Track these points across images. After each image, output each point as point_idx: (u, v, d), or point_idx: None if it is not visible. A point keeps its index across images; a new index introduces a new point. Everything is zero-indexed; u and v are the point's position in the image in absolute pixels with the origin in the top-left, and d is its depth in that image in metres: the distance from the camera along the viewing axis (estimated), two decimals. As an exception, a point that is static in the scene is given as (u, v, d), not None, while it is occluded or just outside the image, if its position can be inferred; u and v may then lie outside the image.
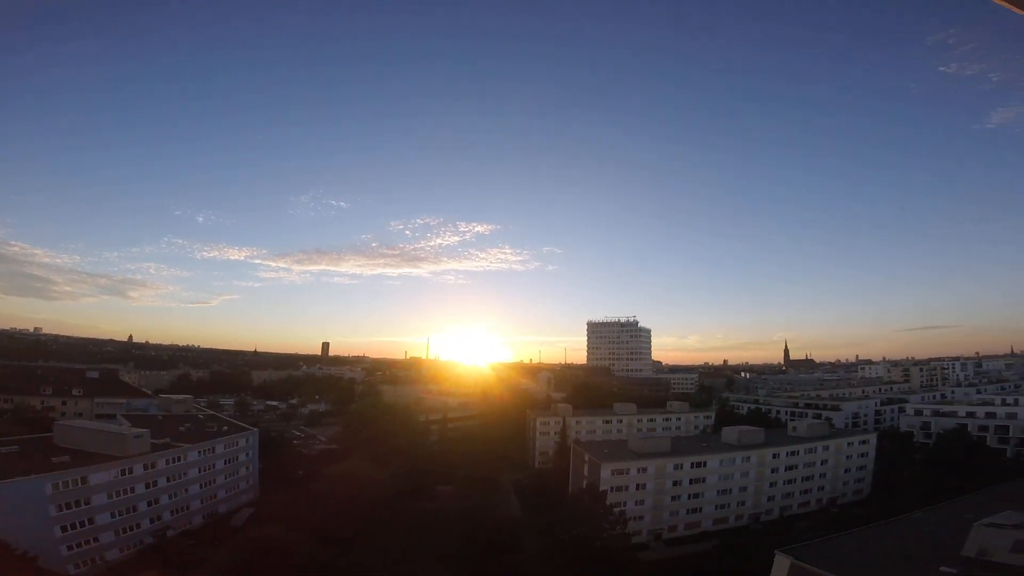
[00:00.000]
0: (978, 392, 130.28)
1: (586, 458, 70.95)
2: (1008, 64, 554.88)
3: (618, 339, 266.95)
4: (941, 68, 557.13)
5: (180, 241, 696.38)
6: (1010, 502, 39.63)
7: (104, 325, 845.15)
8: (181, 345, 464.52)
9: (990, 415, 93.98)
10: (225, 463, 72.32)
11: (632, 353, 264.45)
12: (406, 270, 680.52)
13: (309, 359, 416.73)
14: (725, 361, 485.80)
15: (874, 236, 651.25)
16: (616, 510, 53.85)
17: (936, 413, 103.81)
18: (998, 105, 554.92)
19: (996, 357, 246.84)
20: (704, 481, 67.92)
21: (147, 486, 58.25)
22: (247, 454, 78.06)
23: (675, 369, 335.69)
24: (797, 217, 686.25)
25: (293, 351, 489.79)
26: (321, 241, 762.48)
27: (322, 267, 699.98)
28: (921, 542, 34.78)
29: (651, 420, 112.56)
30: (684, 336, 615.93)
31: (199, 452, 67.68)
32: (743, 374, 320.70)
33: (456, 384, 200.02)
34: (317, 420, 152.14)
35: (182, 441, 68.05)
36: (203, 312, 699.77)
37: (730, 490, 69.06)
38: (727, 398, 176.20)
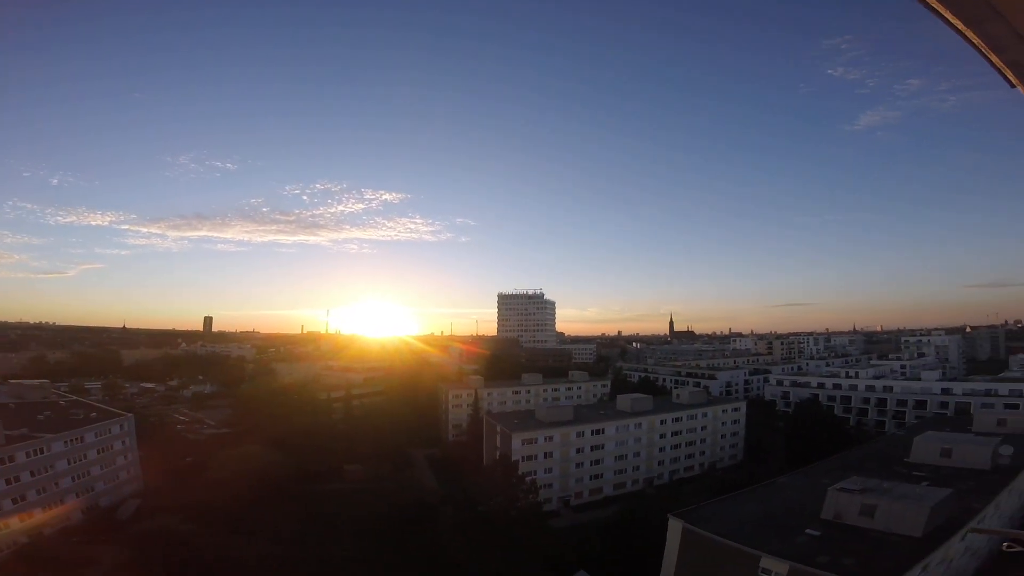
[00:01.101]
0: (827, 365, 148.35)
1: (498, 429, 73.39)
2: (883, 71, 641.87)
3: (526, 311, 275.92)
4: (829, 71, 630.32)
5: (29, 205, 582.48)
6: (855, 468, 46.35)
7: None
8: (33, 323, 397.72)
9: (836, 386, 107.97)
10: (99, 453, 65.68)
11: (539, 325, 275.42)
12: (302, 237, 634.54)
13: (189, 335, 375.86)
14: (619, 332, 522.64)
15: (750, 221, 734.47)
16: (528, 479, 57.33)
17: (794, 384, 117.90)
18: (867, 109, 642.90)
19: (842, 333, 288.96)
20: (603, 448, 72.96)
21: (8, 482, 51.86)
22: (123, 442, 71.01)
23: (576, 340, 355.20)
24: (685, 201, 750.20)
25: (170, 327, 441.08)
26: (202, 205, 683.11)
27: (203, 233, 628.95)
28: (788, 505, 39.28)
29: (555, 390, 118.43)
30: (584, 308, 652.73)
31: (65, 442, 60.97)
32: (635, 344, 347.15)
33: (361, 359, 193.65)
34: (203, 403, 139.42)
35: (43, 431, 60.78)
36: (59, 284, 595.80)
37: (626, 455, 74.96)
38: (621, 367, 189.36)
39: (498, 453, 69.58)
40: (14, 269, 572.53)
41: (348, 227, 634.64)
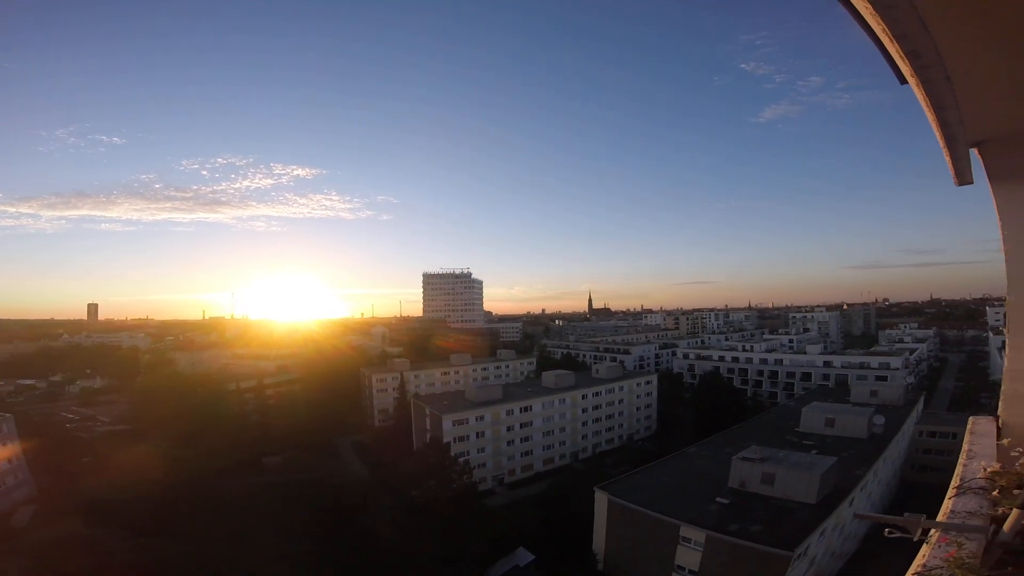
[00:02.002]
0: (727, 339, 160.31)
1: (427, 412, 72.83)
2: (791, 68, 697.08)
3: (453, 290, 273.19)
4: (742, 65, 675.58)
5: None
6: (754, 437, 50.96)
7: None
8: None
9: (734, 360, 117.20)
10: None
11: (466, 304, 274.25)
12: (201, 215, 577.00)
13: (72, 325, 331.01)
14: (543, 310, 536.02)
15: (659, 204, 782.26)
16: (461, 460, 57.81)
17: (698, 357, 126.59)
18: (772, 103, 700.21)
19: (739, 310, 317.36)
20: (532, 424, 75.02)
21: None
22: (4, 444, 62.83)
23: (504, 319, 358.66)
24: (601, 184, 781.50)
25: (47, 316, 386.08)
26: (84, 182, 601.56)
27: (84, 212, 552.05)
28: (699, 474, 42.72)
29: (484, 369, 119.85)
30: (511, 287, 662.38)
31: (-72, 449, 52.43)
32: (557, 322, 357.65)
33: (273, 346, 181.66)
34: (93, 398, 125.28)
35: None
36: None
37: (553, 431, 77.68)
38: (545, 344, 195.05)
39: (428, 436, 69.27)
40: None
41: (255, 204, 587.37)
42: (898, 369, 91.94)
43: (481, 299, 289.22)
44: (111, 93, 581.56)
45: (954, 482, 4.10)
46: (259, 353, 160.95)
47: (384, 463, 73.16)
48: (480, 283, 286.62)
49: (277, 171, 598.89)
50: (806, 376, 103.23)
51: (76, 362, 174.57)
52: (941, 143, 5.02)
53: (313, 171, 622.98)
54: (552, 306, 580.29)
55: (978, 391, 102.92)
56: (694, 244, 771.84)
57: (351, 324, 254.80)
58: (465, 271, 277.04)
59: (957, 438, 56.79)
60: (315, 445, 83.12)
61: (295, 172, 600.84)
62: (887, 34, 2.99)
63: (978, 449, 4.57)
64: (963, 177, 5.74)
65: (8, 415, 66.60)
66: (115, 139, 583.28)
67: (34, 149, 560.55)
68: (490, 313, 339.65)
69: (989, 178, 5.82)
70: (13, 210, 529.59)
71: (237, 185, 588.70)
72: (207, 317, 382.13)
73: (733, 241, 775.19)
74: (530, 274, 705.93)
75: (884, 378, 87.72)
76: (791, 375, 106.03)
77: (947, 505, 3.55)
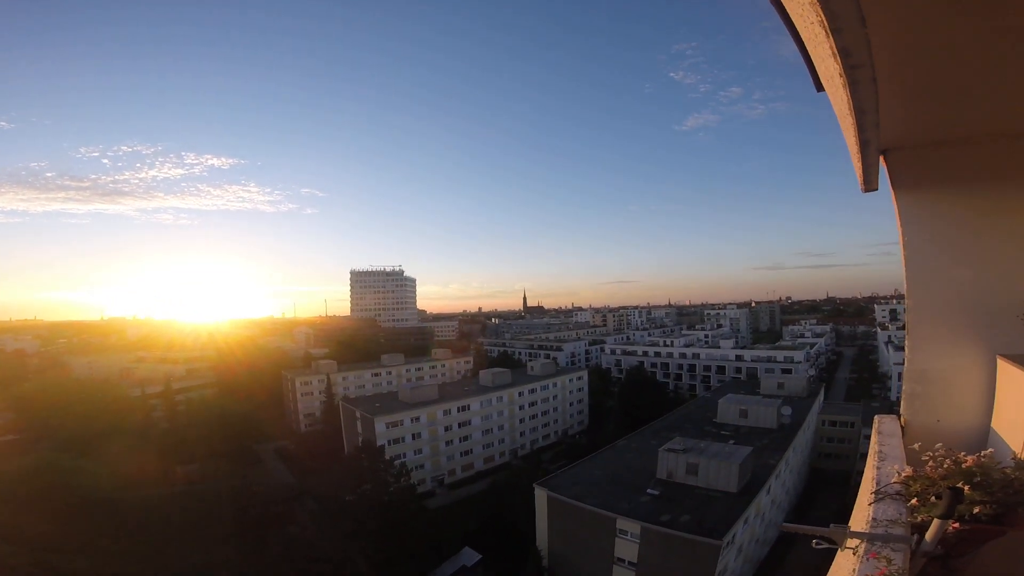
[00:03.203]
0: (649, 335, 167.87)
1: (358, 415, 70.64)
2: (714, 78, 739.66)
3: (384, 288, 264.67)
4: (672, 74, 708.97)
5: None
6: (678, 429, 53.93)
7: None
8: None
9: (657, 354, 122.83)
10: None
11: (399, 302, 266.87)
12: (99, 206, 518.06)
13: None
14: (480, 308, 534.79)
15: (587, 204, 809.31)
16: (397, 463, 56.21)
17: (624, 352, 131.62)
18: (695, 112, 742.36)
19: (660, 307, 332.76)
20: (470, 423, 74.71)
21: None
22: None
23: (439, 317, 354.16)
24: (534, 184, 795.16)
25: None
26: None
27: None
28: (629, 467, 44.16)
29: (419, 369, 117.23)
30: (446, 285, 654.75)
31: None
32: (493, 320, 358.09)
33: (181, 349, 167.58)
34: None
35: None
36: None
37: (492, 429, 77.78)
38: (482, 343, 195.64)
39: (360, 439, 67.13)
40: None
41: (161, 195, 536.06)
42: (801, 362, 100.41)
43: (414, 297, 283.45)
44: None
45: (868, 485, 4.14)
46: (166, 356, 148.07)
47: (312, 469, 69.77)
48: (413, 281, 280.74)
49: (189, 160, 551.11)
50: (721, 369, 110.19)
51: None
52: (854, 148, 5.09)
53: (230, 161, 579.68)
54: (488, 304, 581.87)
55: (869, 382, 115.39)
56: (620, 244, 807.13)
57: (272, 324, 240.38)
58: (397, 268, 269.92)
59: (855, 427, 63.27)
60: (234, 453, 77.42)
61: (209, 161, 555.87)
62: (823, 27, 2.84)
63: (888, 451, 4.72)
64: (870, 183, 5.90)
65: None
66: (2, 123, 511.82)
67: None
68: (424, 312, 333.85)
69: (893, 185, 6.04)
70: None
71: (142, 175, 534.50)
72: (105, 318, 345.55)
73: (654, 241, 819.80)
74: (465, 272, 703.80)
75: (789, 371, 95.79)
76: (707, 368, 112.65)
77: (868, 512, 3.51)
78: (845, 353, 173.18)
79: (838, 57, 3.10)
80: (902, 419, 5.85)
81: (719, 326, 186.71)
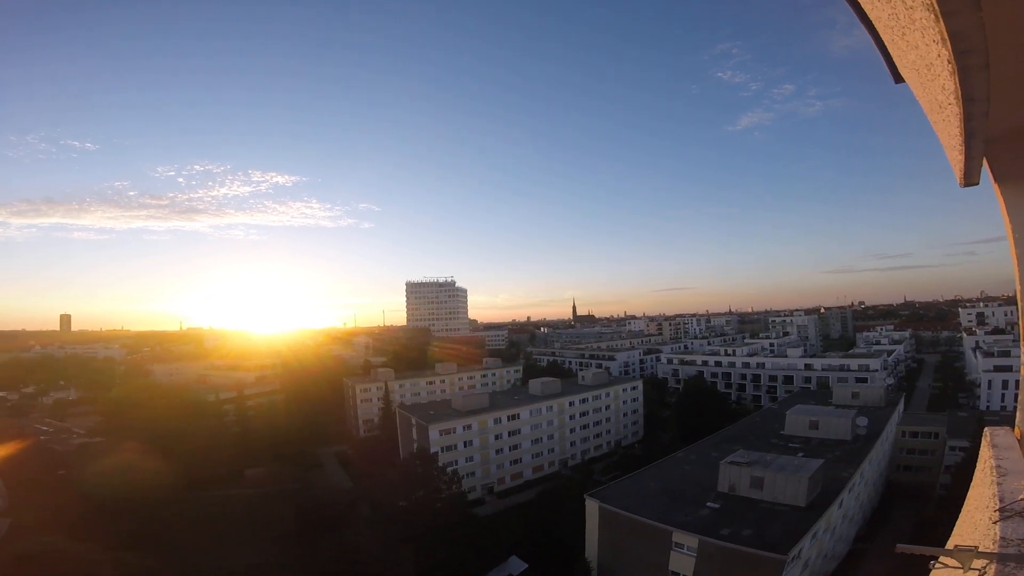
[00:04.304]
0: (709, 344, 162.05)
1: (413, 421, 72.11)
2: (764, 76, 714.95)
3: (437, 299, 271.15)
4: (719, 74, 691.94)
5: None
6: (741, 441, 51.53)
7: None
8: None
9: (718, 364, 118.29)
10: None
11: (451, 313, 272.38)
12: (177, 223, 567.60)
13: (44, 336, 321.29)
14: (528, 317, 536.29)
15: (638, 211, 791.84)
16: (449, 469, 56.99)
17: (682, 362, 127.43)
18: (747, 111, 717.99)
19: (720, 314, 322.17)
20: (520, 432, 74.54)
21: None
22: None
23: (489, 327, 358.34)
24: (584, 192, 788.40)
25: (18, 327, 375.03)
26: (54, 188, 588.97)
27: (55, 220, 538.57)
28: (688, 479, 42.63)
29: (470, 377, 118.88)
30: (495, 295, 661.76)
31: None
32: (542, 329, 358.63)
33: (252, 357, 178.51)
34: (67, 410, 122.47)
35: None
36: None
37: (541, 439, 77.20)
38: (531, 352, 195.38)
39: (415, 446, 68.36)
40: None
41: (232, 211, 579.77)
42: (877, 371, 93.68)
43: (465, 307, 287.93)
44: (85, 98, 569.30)
45: (985, 502, 3.80)
46: (238, 364, 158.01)
47: (368, 474, 71.74)
48: (464, 291, 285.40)
49: (255, 178, 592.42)
50: (788, 379, 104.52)
51: (49, 374, 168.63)
52: (955, 140, 4.69)
53: (292, 178, 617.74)
54: (537, 313, 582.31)
55: (955, 391, 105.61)
56: (674, 250, 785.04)
57: (333, 334, 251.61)
58: (449, 279, 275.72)
59: (939, 438, 58.22)
60: (297, 456, 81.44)
61: (274, 179, 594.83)
62: (932, 11, 2.69)
63: (1008, 465, 4.27)
64: (971, 178, 5.42)
65: (-25, 429, 63.90)
66: (88, 144, 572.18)
67: (2, 154, 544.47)
68: (475, 321, 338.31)
69: (997, 178, 5.54)
70: None
71: (214, 193, 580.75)
72: (184, 328, 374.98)
73: (712, 247, 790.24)
74: (514, 282, 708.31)
75: (864, 380, 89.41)
76: (773, 378, 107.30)
77: (992, 531, 3.23)
78: (927, 360, 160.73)
79: (948, 42, 2.91)
80: (1016, 430, 5.32)
81: (785, 334, 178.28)
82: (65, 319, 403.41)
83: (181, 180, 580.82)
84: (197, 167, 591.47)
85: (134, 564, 41.84)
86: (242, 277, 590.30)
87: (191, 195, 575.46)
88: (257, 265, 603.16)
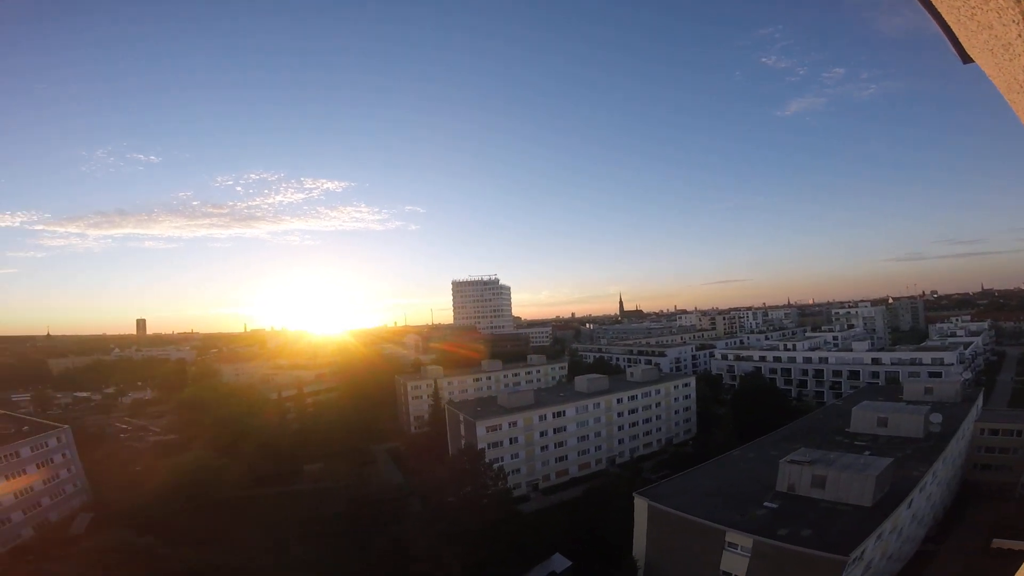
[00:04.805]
0: (767, 338, 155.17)
1: (461, 418, 73.05)
2: (811, 60, 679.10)
3: (482, 297, 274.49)
4: (763, 59, 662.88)
5: None
6: (802, 439, 49.06)
7: None
8: None
9: (776, 359, 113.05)
10: (38, 467, 61.80)
11: (495, 310, 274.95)
12: (238, 231, 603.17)
13: (122, 340, 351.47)
14: (573, 314, 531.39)
15: (686, 202, 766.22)
16: (495, 466, 57.33)
17: (737, 358, 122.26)
18: (797, 96, 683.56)
19: (778, 307, 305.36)
20: (566, 429, 73.93)
21: (-54, 504, 46.66)
22: (63, 454, 66.81)
23: (532, 324, 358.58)
24: (627, 186, 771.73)
25: (100, 332, 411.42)
26: (123, 200, 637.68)
27: (127, 230, 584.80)
28: (744, 478, 41.08)
29: (515, 375, 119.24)
30: (538, 292, 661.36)
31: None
32: (588, 325, 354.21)
33: (311, 356, 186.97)
34: (143, 409, 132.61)
35: (-30, 449, 55.64)
36: None
37: (587, 436, 76.31)
38: (576, 349, 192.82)
39: (463, 442, 69.36)
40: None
41: (288, 218, 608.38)
42: (953, 364, 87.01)
43: (509, 305, 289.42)
44: (147, 113, 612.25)
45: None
46: (298, 363, 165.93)
47: (419, 470, 73.34)
48: (508, 289, 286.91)
49: (307, 185, 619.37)
50: (854, 374, 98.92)
51: (127, 375, 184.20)
52: None
53: (342, 184, 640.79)
54: (581, 309, 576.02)
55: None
56: (726, 241, 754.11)
57: (384, 333, 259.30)
58: (492, 277, 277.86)
59: (1022, 435, 53.38)
60: (352, 453, 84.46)
61: (325, 185, 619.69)
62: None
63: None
64: None
65: (66, 426, 70.39)
66: (152, 157, 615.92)
67: (76, 170, 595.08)
68: (518, 318, 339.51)
69: None
70: (62, 229, 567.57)
71: (270, 200, 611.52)
72: (248, 329, 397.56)
73: (768, 237, 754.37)
74: (557, 278, 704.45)
75: (938, 374, 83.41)
76: (837, 374, 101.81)
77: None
78: (1008, 353, 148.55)
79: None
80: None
81: (850, 326, 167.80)
82: (141, 323, 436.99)
83: (239, 189, 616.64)
84: (253, 176, 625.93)
85: (197, 560, 44.57)
86: (299, 280, 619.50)
87: (249, 203, 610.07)
88: (312, 268, 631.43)
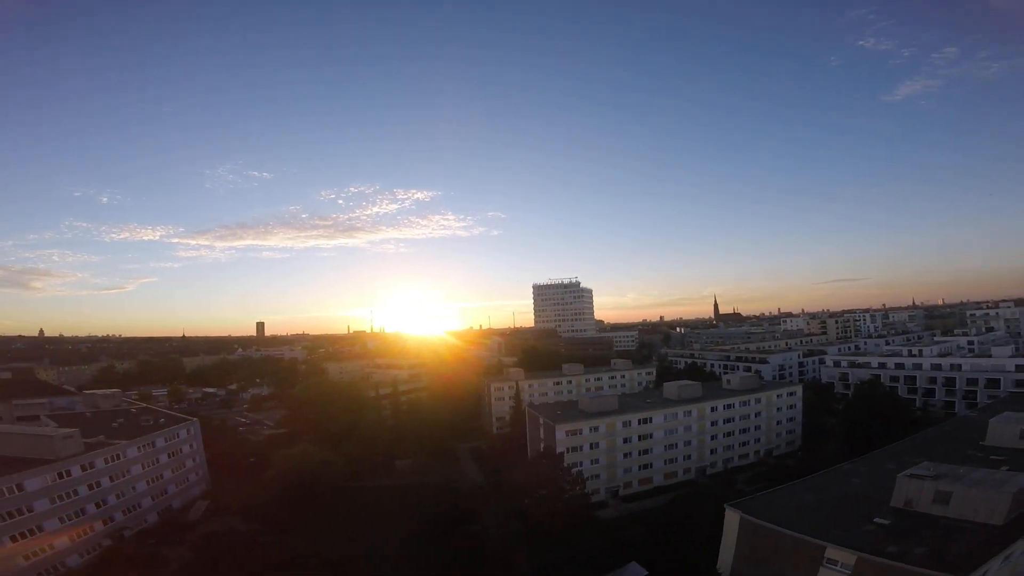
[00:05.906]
0: (887, 343, 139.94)
1: (540, 421, 72.91)
2: (919, 39, 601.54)
3: (562, 300, 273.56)
4: (860, 42, 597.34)
5: (83, 224, 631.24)
6: (926, 452, 43.61)
7: (7, 321, 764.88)
8: (100, 336, 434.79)
9: (899, 366, 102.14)
10: (169, 457, 69.46)
11: (576, 314, 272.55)
12: (341, 241, 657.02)
13: (244, 341, 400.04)
14: (661, 317, 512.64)
15: (789, 196, 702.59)
16: (574, 470, 56.47)
17: (852, 364, 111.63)
18: (905, 79, 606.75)
19: (900, 309, 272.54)
20: (651, 437, 71.20)
21: (90, 487, 55.13)
22: (191, 445, 75.23)
23: (616, 327, 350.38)
24: (720, 180, 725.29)
25: (225, 333, 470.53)
26: (242, 215, 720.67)
27: (248, 242, 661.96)
28: (853, 493, 37.60)
29: (598, 379, 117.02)
30: (623, 294, 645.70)
31: (138, 448, 64.27)
32: (678, 329, 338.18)
33: (405, 356, 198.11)
34: (260, 404, 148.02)
35: (118, 437, 64.25)
36: (119, 298, 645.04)
37: (676, 444, 73.02)
38: (665, 354, 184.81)
39: (542, 445, 69.33)
40: (76, 287, 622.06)
41: (384, 228, 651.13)
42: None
43: (591, 308, 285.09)
44: (257, 131, 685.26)
45: None
46: (394, 362, 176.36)
47: (499, 470, 74.56)
48: (590, 292, 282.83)
49: (400, 196, 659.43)
50: (992, 383, 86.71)
51: (247, 372, 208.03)
52: None
53: (430, 193, 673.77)
54: (671, 313, 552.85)
55: None
56: (830, 237, 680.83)
57: (470, 335, 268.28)
58: (574, 280, 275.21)
59: None
60: (439, 451, 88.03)
61: (415, 195, 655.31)
62: None
63: None
64: None
65: (195, 420, 79.60)
66: (265, 174, 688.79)
67: (202, 186, 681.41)
68: (601, 322, 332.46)
69: None
70: (193, 242, 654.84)
71: (368, 212, 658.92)
72: (351, 331, 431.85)
73: (880, 230, 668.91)
74: (644, 280, 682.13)
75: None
76: (973, 382, 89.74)
77: None
78: None
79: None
80: None
81: (989, 329, 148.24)
82: (260, 326, 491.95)
83: (341, 202, 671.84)
84: (352, 189, 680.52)
85: (297, 548, 48.52)
86: (394, 284, 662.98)
87: (350, 215, 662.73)
88: (405, 274, 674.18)
